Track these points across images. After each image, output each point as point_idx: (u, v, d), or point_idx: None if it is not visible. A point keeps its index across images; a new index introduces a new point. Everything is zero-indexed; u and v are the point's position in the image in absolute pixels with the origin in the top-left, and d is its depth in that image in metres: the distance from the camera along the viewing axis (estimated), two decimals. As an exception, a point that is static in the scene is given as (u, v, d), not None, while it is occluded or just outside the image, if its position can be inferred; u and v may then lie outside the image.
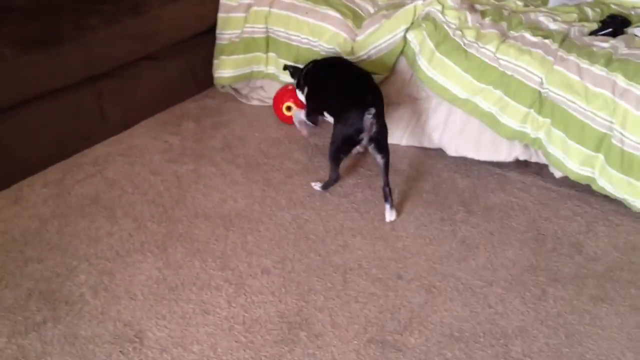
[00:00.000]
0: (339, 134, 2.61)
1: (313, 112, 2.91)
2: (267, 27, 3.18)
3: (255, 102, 3.40)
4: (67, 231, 2.45)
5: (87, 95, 2.89)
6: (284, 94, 3.19)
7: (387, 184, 2.61)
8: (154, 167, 2.85)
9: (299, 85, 2.96)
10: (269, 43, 3.23)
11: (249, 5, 3.22)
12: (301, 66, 2.97)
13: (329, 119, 2.78)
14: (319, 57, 3.00)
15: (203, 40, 3.34)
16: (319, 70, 2.88)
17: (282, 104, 3.18)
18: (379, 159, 2.60)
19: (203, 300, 2.17)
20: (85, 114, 2.91)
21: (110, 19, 2.86)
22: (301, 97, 2.97)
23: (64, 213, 2.54)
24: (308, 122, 2.99)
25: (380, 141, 2.58)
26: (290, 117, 3.13)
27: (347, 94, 2.64)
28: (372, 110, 2.49)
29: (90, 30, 2.77)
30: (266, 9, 3.17)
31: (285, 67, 3.08)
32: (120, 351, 1.96)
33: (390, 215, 2.62)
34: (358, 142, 2.60)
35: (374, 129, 2.53)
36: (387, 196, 2.61)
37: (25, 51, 2.57)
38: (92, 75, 2.86)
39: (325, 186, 2.78)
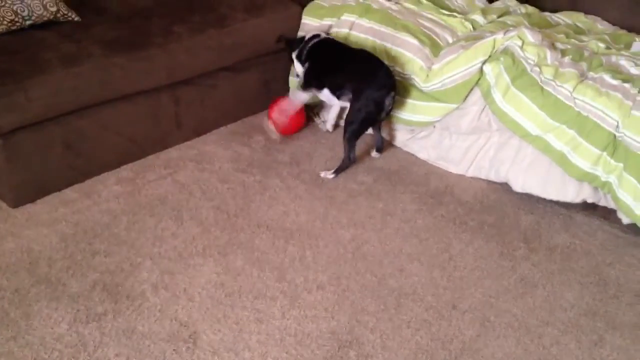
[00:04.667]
0: (361, 114, 2.91)
1: (312, 85, 3.04)
2: (344, 49, 3.22)
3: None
4: (134, 228, 2.53)
5: (165, 101, 2.99)
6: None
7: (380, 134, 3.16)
8: (222, 175, 2.92)
9: (300, 57, 3.07)
10: (345, 64, 3.26)
11: (330, 27, 3.28)
12: (302, 35, 3.13)
13: (325, 97, 3.07)
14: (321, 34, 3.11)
15: (280, 56, 3.41)
16: (329, 47, 3.03)
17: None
18: (379, 124, 3.11)
19: (258, 309, 2.21)
20: (162, 118, 3.02)
21: (196, 29, 2.97)
22: (298, 67, 3.09)
23: (133, 211, 2.63)
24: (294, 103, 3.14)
25: (388, 115, 3.02)
26: (287, 127, 3.23)
27: (369, 76, 2.90)
28: (393, 93, 2.90)
29: (176, 38, 2.88)
30: (346, 30, 3.22)
31: (280, 39, 3.17)
32: (174, 350, 2.02)
33: (375, 154, 3.19)
34: (378, 121, 2.97)
35: (390, 107, 2.95)
36: (380, 146, 3.19)
37: (113, 52, 2.68)
38: (172, 82, 2.96)
39: (338, 171, 2.99)
